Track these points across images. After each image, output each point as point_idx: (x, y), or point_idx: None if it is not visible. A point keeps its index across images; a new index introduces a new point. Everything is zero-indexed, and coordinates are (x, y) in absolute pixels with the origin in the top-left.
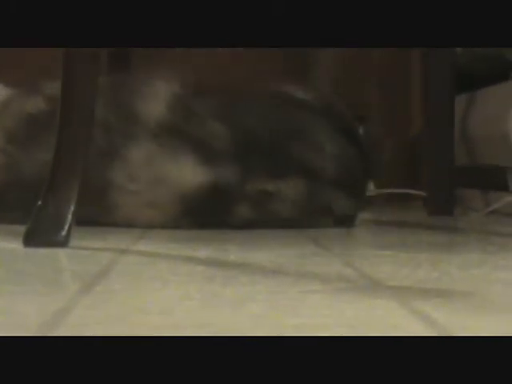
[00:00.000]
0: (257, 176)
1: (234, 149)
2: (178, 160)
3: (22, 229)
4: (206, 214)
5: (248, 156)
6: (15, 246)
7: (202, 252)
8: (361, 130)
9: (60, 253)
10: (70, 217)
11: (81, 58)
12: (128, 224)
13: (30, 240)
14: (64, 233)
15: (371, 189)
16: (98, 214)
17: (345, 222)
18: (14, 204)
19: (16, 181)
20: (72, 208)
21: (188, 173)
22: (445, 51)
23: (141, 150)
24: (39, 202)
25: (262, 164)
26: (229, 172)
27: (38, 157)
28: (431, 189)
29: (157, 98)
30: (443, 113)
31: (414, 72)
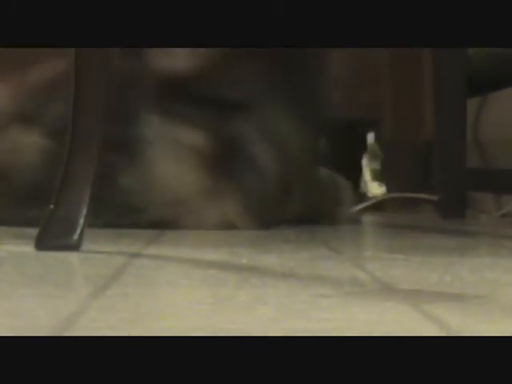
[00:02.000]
0: None
1: None
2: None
3: (34, 232)
4: None
5: None
6: (27, 249)
7: (213, 255)
8: (372, 135)
9: (72, 256)
10: (82, 220)
11: (93, 57)
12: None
13: (42, 243)
14: (76, 236)
15: (383, 192)
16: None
17: None
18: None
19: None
20: (84, 211)
21: None
22: (456, 52)
23: None
24: (51, 205)
25: None
26: None
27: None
28: (443, 192)
29: None
30: (455, 115)
31: (426, 75)
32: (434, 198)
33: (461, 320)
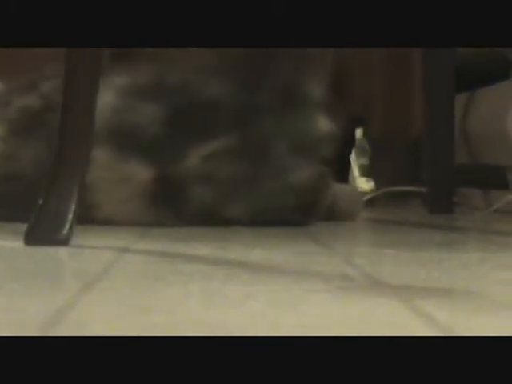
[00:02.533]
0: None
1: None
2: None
3: (23, 227)
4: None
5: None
6: (16, 244)
7: (203, 251)
8: (360, 130)
9: (61, 251)
10: (71, 215)
11: (82, 57)
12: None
13: (31, 238)
14: (65, 231)
15: (372, 188)
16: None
17: None
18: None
19: (13, 175)
20: (73, 206)
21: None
22: (445, 50)
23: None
24: (40, 200)
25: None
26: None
27: (35, 153)
28: (432, 187)
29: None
30: (443, 112)
31: (415, 71)
32: (423, 191)
33: (451, 316)
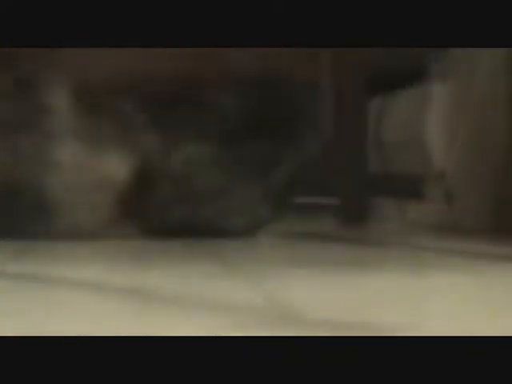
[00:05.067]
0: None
1: None
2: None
3: None
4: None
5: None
6: None
7: (88, 272)
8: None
9: None
10: None
11: None
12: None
13: None
14: None
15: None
16: None
17: None
18: None
19: None
20: None
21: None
22: (355, 51)
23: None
24: None
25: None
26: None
27: None
28: (343, 197)
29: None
30: (355, 115)
31: (324, 71)
32: (334, 203)
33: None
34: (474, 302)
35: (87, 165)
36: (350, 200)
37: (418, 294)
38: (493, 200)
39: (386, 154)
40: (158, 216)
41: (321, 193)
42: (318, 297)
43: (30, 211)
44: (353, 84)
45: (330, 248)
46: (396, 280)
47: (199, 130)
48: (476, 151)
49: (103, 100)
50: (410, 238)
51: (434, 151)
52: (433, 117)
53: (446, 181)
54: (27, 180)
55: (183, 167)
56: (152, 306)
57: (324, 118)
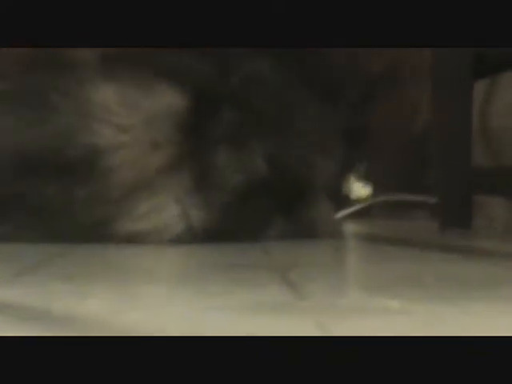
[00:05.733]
0: None
1: None
2: None
3: None
4: None
5: None
6: None
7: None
8: None
9: None
10: None
11: None
12: None
13: None
14: None
15: (369, 194)
16: None
17: None
18: None
19: None
20: None
21: None
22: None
23: None
24: None
25: None
26: None
27: None
28: (443, 196)
29: None
30: (457, 102)
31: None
32: (432, 201)
33: None
34: None
35: None
36: (452, 198)
37: None
38: None
39: (495, 145)
40: None
41: (416, 189)
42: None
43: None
44: (454, 62)
45: (432, 261)
46: None
47: None
48: None
49: None
50: None
51: None
52: None
53: None
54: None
55: None
56: None
57: (422, 105)
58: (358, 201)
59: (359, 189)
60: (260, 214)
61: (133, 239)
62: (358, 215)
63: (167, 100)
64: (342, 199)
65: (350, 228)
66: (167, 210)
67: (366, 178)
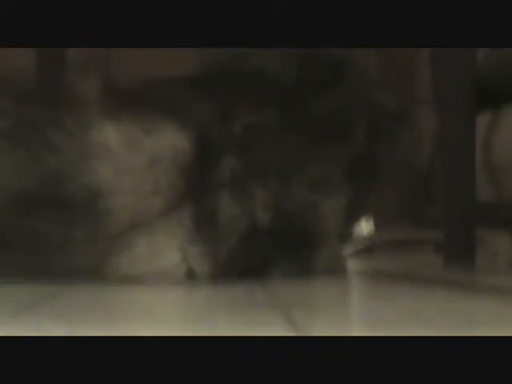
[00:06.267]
0: None
1: None
2: None
3: None
4: None
5: None
6: None
7: None
8: None
9: None
10: None
11: None
12: None
13: None
14: None
15: (370, 229)
16: None
17: None
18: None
19: None
20: None
21: None
22: (462, 56)
23: None
24: None
25: None
26: None
27: None
28: (447, 231)
29: None
30: (461, 134)
31: (422, 78)
32: (435, 236)
33: None
34: None
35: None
36: (455, 233)
37: None
38: None
39: (498, 178)
40: None
41: (418, 225)
42: None
43: None
44: (458, 93)
45: (431, 294)
46: None
47: None
48: None
49: None
50: None
51: None
52: None
53: None
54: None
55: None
56: None
57: (424, 136)
58: (361, 237)
59: (363, 225)
60: (264, 258)
61: (131, 282)
62: (361, 251)
63: (171, 142)
64: (347, 237)
65: (353, 263)
66: (167, 254)
67: (369, 212)
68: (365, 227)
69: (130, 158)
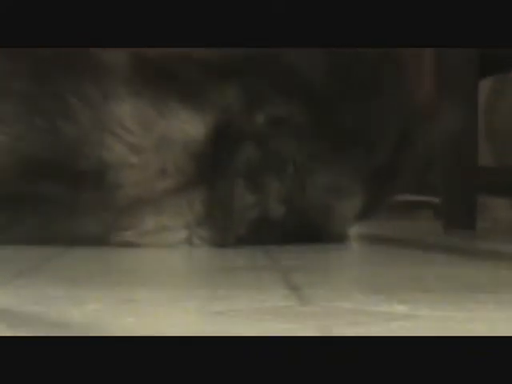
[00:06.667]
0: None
1: None
2: None
3: None
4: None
5: None
6: None
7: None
8: None
9: None
10: None
11: None
12: None
13: None
14: None
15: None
16: None
17: None
18: None
19: None
20: None
21: None
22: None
23: None
24: None
25: None
26: None
27: None
28: (448, 196)
29: None
30: (463, 100)
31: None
32: (435, 201)
33: None
34: None
35: None
36: (456, 199)
37: None
38: None
39: (500, 145)
40: None
41: (419, 190)
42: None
43: None
44: (460, 60)
45: (437, 263)
46: None
47: None
48: None
49: None
50: None
51: None
52: None
53: None
54: None
55: None
56: None
57: (426, 105)
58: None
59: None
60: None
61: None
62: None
63: (184, 126)
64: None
65: (354, 229)
66: (173, 231)
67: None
68: None
69: (141, 137)
